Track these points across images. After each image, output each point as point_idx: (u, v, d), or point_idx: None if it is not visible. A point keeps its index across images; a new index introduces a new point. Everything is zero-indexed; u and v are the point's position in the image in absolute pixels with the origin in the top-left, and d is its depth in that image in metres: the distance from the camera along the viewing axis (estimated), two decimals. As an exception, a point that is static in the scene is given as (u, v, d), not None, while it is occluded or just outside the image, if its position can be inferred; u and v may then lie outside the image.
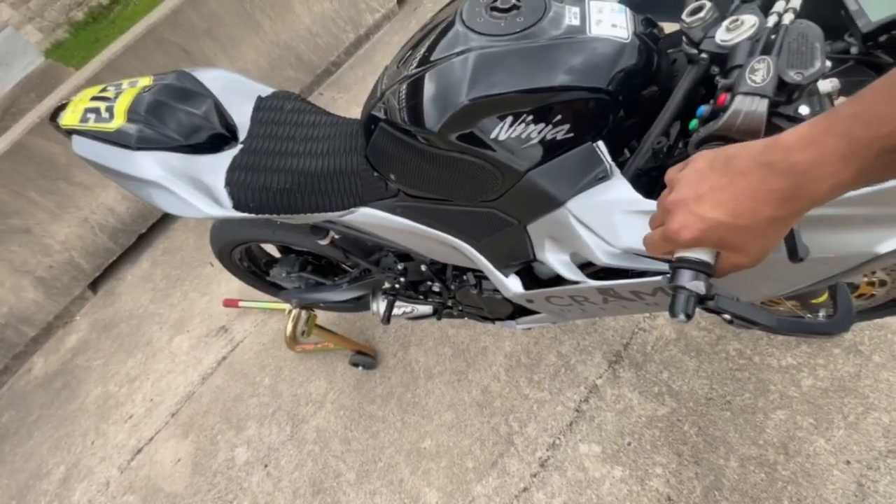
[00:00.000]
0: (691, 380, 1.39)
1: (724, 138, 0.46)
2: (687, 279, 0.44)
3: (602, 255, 0.68)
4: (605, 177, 0.68)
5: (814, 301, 1.05)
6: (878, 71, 0.68)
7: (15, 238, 2.50)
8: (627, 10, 0.70)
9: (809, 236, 0.60)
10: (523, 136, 0.68)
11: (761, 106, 0.45)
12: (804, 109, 0.49)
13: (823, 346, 1.33)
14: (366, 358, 1.78)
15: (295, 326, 1.65)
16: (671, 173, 0.45)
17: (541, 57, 0.65)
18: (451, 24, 0.72)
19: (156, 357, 2.29)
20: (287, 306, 1.70)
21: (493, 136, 0.69)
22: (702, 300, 0.44)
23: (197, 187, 0.96)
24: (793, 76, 0.46)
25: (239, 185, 0.95)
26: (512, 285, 0.92)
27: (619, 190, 0.66)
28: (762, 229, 0.40)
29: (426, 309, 1.36)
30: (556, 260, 0.79)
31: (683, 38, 0.64)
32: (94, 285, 2.77)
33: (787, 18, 0.51)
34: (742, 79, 0.47)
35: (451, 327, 1.79)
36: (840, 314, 0.46)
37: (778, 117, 0.50)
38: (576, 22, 0.66)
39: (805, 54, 0.47)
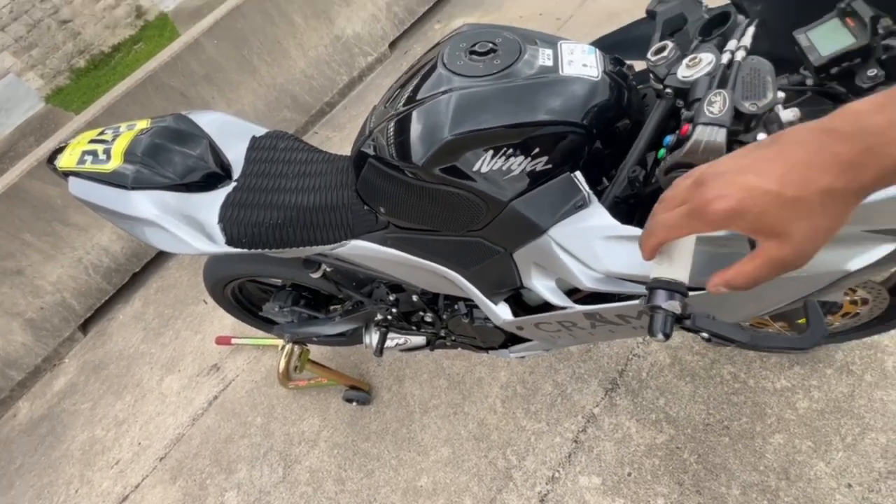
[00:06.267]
0: (688, 405, 1.38)
1: (689, 165, 0.49)
2: (662, 299, 0.45)
3: (585, 280, 0.70)
4: (583, 204, 0.70)
5: (800, 321, 1.06)
6: (834, 100, 0.73)
7: (6, 280, 2.49)
8: (597, 50, 0.75)
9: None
10: (504, 168, 0.71)
11: (720, 135, 0.49)
12: (762, 136, 0.52)
13: (816, 367, 1.33)
14: (360, 393, 1.75)
15: (288, 362, 1.63)
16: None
17: (517, 95, 0.69)
18: (433, 67, 0.77)
19: (145, 399, 2.24)
20: (280, 342, 1.69)
21: (475, 168, 0.72)
22: (679, 319, 0.46)
23: (191, 224, 0.98)
24: (748, 107, 0.50)
25: (232, 221, 0.98)
26: (501, 313, 0.93)
27: (597, 217, 0.69)
28: (813, 204, 0.34)
29: (419, 340, 1.36)
30: (542, 286, 0.81)
31: (651, 74, 0.69)
32: (85, 326, 2.74)
33: (740, 55, 0.56)
34: (701, 111, 0.51)
35: (446, 359, 1.77)
36: (812, 329, 0.48)
37: (739, 145, 0.53)
38: (549, 63, 0.71)
39: (758, 87, 0.51)
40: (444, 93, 0.72)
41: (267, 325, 1.70)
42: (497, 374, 1.66)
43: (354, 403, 1.78)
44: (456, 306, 1.16)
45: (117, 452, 2.07)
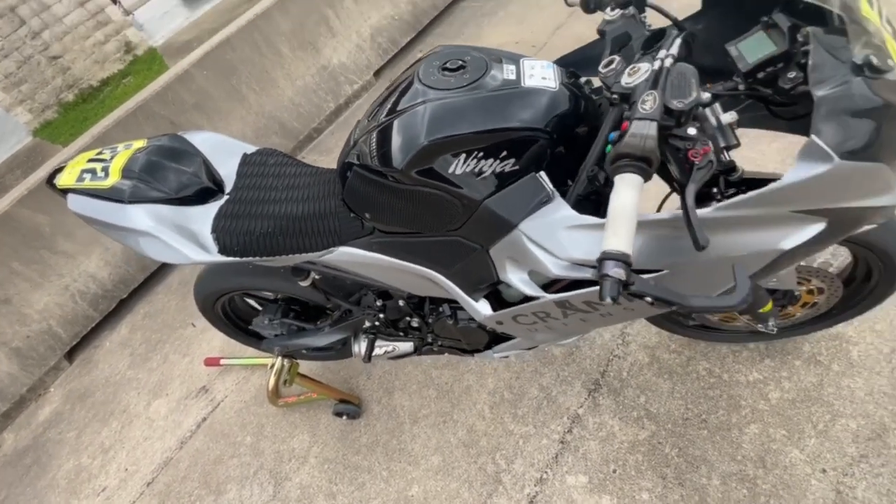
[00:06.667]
0: (667, 401, 1.43)
1: (629, 155, 0.57)
2: (610, 267, 0.52)
3: (552, 268, 0.77)
4: (547, 200, 0.78)
5: (762, 311, 1.14)
6: (765, 102, 0.82)
7: (-7, 309, 2.47)
8: (554, 65, 0.84)
9: (720, 237, 0.70)
10: (476, 170, 0.79)
11: (652, 128, 0.57)
12: (691, 130, 0.60)
13: (785, 360, 1.40)
14: (350, 406, 1.77)
15: (277, 380, 1.65)
16: None
17: (485, 105, 0.77)
18: (410, 83, 0.85)
19: (132, 424, 2.21)
20: (269, 361, 1.72)
21: (450, 170, 0.79)
22: (625, 286, 0.53)
23: (185, 235, 1.03)
24: (675, 104, 0.58)
25: (224, 231, 1.03)
26: (482, 309, 0.99)
27: (560, 210, 0.76)
28: None
29: (406, 346, 1.40)
30: (516, 278, 0.88)
31: (602, 85, 0.78)
32: (71, 354, 2.71)
33: (668, 62, 0.65)
34: (636, 109, 0.59)
35: (434, 369, 1.81)
36: (738, 288, 0.54)
37: (673, 138, 0.61)
38: (512, 77, 0.80)
39: (684, 88, 0.60)
40: (420, 104, 0.79)
41: (256, 340, 1.73)
42: (485, 381, 1.70)
43: (345, 417, 1.79)
44: (441, 309, 1.21)
45: (104, 479, 2.04)
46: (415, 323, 1.31)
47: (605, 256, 0.52)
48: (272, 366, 1.68)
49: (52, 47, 6.34)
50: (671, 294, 0.53)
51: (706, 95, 0.63)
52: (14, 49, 6.11)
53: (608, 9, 0.84)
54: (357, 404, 1.79)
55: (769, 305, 1.12)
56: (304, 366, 1.92)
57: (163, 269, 2.91)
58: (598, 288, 0.80)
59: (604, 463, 1.39)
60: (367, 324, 1.36)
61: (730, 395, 1.39)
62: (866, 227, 0.90)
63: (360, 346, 1.41)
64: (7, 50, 6.06)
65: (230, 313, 1.65)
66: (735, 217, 0.66)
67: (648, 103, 0.58)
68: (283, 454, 1.81)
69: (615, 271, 0.51)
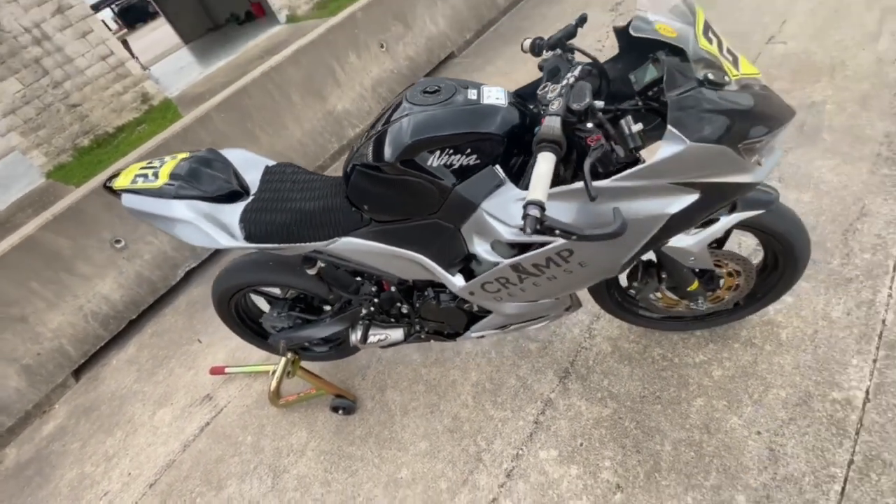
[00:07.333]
0: (627, 383, 1.63)
1: (544, 139, 0.83)
2: (530, 209, 0.77)
3: (506, 234, 1.01)
4: (500, 184, 1.04)
5: (690, 289, 1.38)
6: (656, 113, 1.11)
7: (9, 326, 2.64)
8: (506, 90, 1.13)
9: (622, 204, 0.96)
10: (447, 163, 1.05)
11: (557, 121, 0.83)
12: (589, 125, 0.88)
13: (726, 343, 1.62)
14: (346, 401, 1.93)
15: (279, 382, 1.83)
16: None
17: (453, 116, 1.05)
18: (400, 102, 1.14)
19: (136, 433, 2.32)
20: (271, 367, 1.90)
21: (429, 163, 1.06)
22: (540, 222, 0.77)
23: (218, 225, 1.27)
24: (575, 106, 0.86)
25: (250, 221, 1.28)
26: (457, 281, 1.22)
27: (510, 191, 1.02)
28: None
29: (397, 334, 1.60)
30: (482, 250, 1.12)
31: (539, 102, 1.07)
32: (77, 373, 2.84)
33: (571, 79, 0.93)
34: (548, 110, 0.87)
35: (423, 367, 1.99)
36: (615, 220, 0.76)
37: (578, 131, 0.89)
38: (474, 97, 1.08)
39: (581, 95, 0.88)
40: (406, 115, 1.07)
41: (261, 340, 1.92)
42: (468, 375, 1.88)
43: (341, 412, 1.94)
44: (426, 292, 1.43)
45: (106, 485, 2.13)
46: (404, 309, 1.52)
47: (527, 203, 0.77)
48: (273, 371, 1.87)
49: (72, 96, 6.84)
50: (571, 227, 0.78)
51: (599, 103, 0.91)
52: (35, 97, 6.59)
53: (545, 51, 1.15)
54: (353, 400, 1.95)
55: (696, 284, 1.37)
56: (305, 367, 2.09)
57: (172, 292, 3.11)
58: (540, 250, 1.05)
59: (572, 438, 1.56)
60: (364, 311, 1.57)
61: (680, 375, 1.59)
62: (757, 212, 1.18)
63: (357, 334, 1.61)
64: (28, 97, 6.53)
65: (241, 312, 1.85)
66: (628, 187, 0.92)
67: (555, 105, 0.86)
68: (282, 450, 1.94)
69: (533, 211, 0.76)
